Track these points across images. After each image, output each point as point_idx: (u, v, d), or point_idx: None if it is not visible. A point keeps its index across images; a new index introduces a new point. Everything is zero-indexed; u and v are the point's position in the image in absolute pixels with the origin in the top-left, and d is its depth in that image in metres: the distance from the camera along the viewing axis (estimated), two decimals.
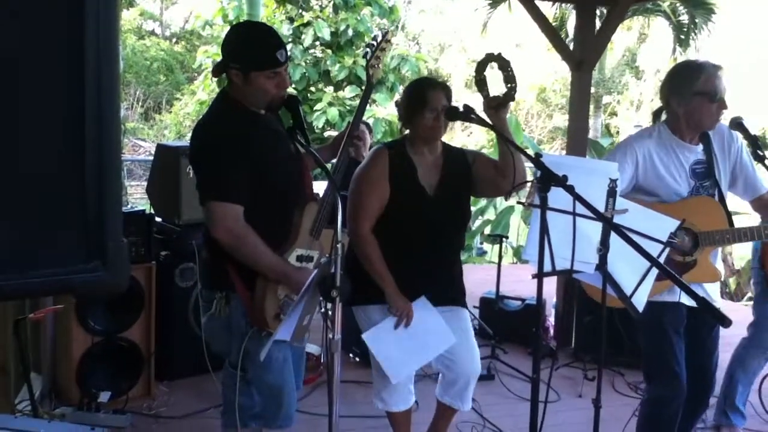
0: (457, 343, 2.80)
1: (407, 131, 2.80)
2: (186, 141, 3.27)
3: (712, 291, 2.77)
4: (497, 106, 2.58)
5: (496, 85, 2.61)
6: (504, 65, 2.55)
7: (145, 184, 5.81)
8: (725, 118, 2.74)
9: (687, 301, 2.59)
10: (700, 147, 2.72)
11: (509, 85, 2.55)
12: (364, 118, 3.19)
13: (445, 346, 2.76)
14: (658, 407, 2.78)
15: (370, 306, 2.77)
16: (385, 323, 2.73)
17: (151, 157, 4.55)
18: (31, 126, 0.93)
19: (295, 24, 12.84)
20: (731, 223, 2.69)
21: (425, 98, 2.66)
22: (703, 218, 2.67)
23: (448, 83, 2.76)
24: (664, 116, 2.81)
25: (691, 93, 2.63)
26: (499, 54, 2.59)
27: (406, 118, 2.75)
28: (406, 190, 2.72)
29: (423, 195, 2.73)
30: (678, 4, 12.53)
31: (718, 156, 2.73)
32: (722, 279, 2.76)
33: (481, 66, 2.61)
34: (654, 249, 2.10)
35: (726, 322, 1.59)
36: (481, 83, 2.63)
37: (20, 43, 0.91)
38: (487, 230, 8.66)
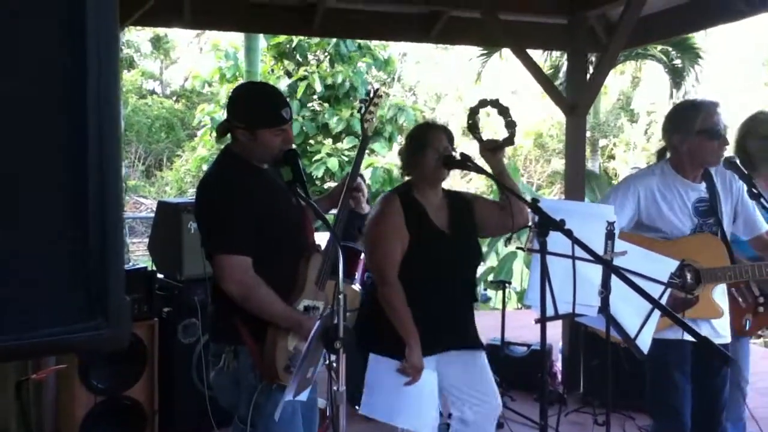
0: (480, 383, 2.77)
1: (409, 178, 2.80)
2: (187, 197, 3.31)
3: (720, 327, 2.76)
4: (494, 149, 2.62)
5: (489, 131, 2.66)
6: (503, 111, 2.61)
7: (146, 241, 5.83)
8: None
9: (691, 338, 2.58)
10: (703, 185, 2.77)
11: (510, 130, 2.60)
12: (363, 169, 3.25)
13: (420, 428, 2.66)
14: None
15: (392, 360, 2.65)
16: (389, 365, 2.66)
17: (153, 214, 4.58)
18: (32, 185, 0.95)
19: (293, 79, 13.07)
20: (733, 261, 2.72)
21: (427, 139, 2.68)
22: (706, 255, 2.69)
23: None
24: (667, 155, 2.86)
25: (692, 132, 2.69)
26: (496, 100, 2.64)
27: (409, 162, 2.75)
28: (423, 232, 2.69)
29: (440, 235, 2.71)
30: (669, 48, 12.78)
31: (721, 194, 2.78)
32: (725, 315, 2.75)
33: (474, 111, 2.67)
34: (655, 290, 2.10)
35: (728, 360, 1.58)
36: (473, 127, 2.68)
37: (21, 101, 0.93)
38: (491, 277, 8.64)
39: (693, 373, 2.76)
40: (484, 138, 2.66)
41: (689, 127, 2.70)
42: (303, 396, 2.43)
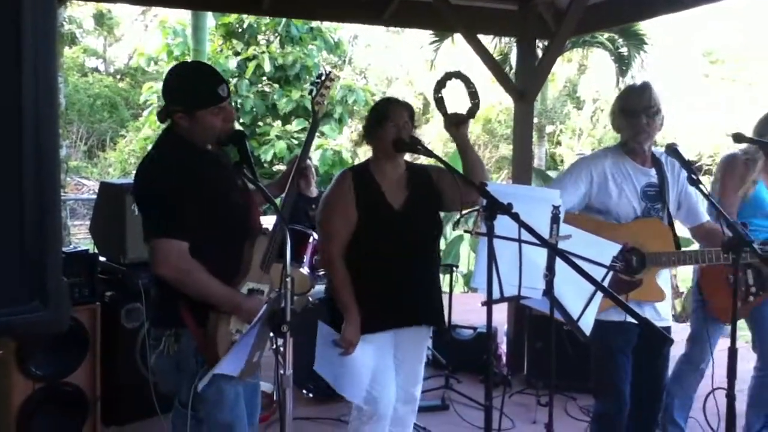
0: (409, 368, 2.84)
1: (370, 155, 2.82)
2: (130, 178, 3.23)
3: (662, 310, 2.87)
4: (458, 123, 2.65)
5: (453, 105, 2.67)
6: (467, 81, 2.63)
7: (88, 223, 5.68)
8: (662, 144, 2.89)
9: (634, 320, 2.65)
10: (653, 171, 2.87)
11: (474, 101, 2.62)
12: (312, 151, 3.24)
13: (357, 399, 2.73)
14: (603, 423, 2.90)
15: (334, 331, 2.71)
16: (330, 334, 2.72)
17: (95, 196, 4.46)
18: None
19: (240, 57, 12.86)
20: (678, 246, 2.82)
21: (387, 113, 2.69)
22: (652, 240, 2.78)
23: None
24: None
25: (620, 113, 2.87)
26: (459, 71, 2.66)
27: (370, 134, 2.75)
28: (374, 208, 2.70)
29: (390, 211, 2.71)
30: (615, 36, 13.05)
31: (669, 181, 2.88)
32: (666, 299, 2.85)
33: (440, 84, 2.68)
34: (598, 273, 2.15)
35: (667, 341, 1.63)
36: (439, 102, 2.70)
37: None
38: None
39: (636, 354, 2.86)
40: (449, 112, 2.67)
41: (619, 109, 2.88)
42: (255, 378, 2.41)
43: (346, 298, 2.67)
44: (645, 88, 2.83)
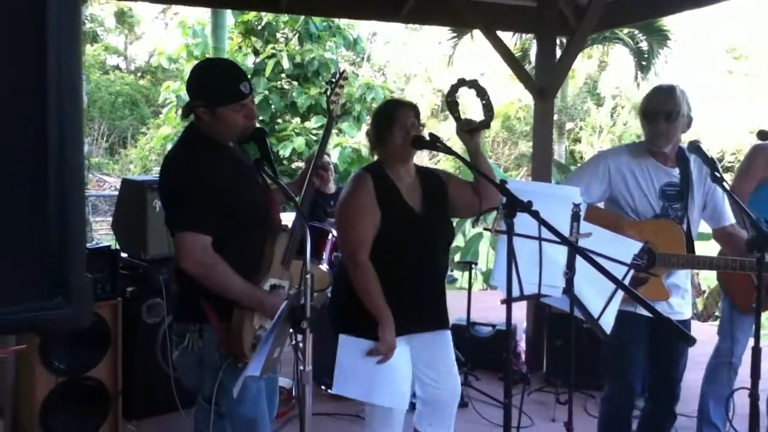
0: (440, 368, 2.78)
1: (377, 156, 2.76)
2: (152, 175, 3.26)
3: (677, 304, 2.86)
4: (471, 130, 2.60)
5: (468, 110, 2.65)
6: (481, 92, 2.58)
7: (110, 219, 5.73)
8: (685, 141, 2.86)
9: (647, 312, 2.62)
10: (677, 170, 2.85)
11: (488, 114, 2.59)
12: (331, 148, 3.26)
13: (398, 404, 2.66)
14: (610, 406, 3.01)
15: (364, 340, 2.60)
16: (360, 345, 2.62)
17: (117, 192, 4.50)
18: None
19: (261, 57, 12.90)
20: (692, 250, 2.81)
21: (393, 116, 2.64)
22: (664, 240, 2.77)
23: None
24: None
25: (641, 114, 2.87)
26: (475, 81, 2.60)
27: (377, 140, 2.70)
28: (395, 210, 2.65)
29: (412, 214, 2.66)
30: (636, 32, 12.92)
31: (695, 182, 2.85)
32: (684, 295, 2.84)
33: (454, 89, 2.64)
34: (618, 271, 2.13)
35: (690, 341, 1.62)
36: (452, 105, 2.65)
37: None
38: (457, 257, 8.70)
39: (650, 346, 2.88)
40: (462, 118, 2.63)
41: (641, 112, 2.88)
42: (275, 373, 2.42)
43: (381, 302, 2.56)
44: (668, 91, 2.80)
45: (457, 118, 2.64)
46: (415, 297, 2.67)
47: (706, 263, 2.81)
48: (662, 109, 2.77)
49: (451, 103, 2.66)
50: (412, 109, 2.69)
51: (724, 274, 3.41)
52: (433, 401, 2.82)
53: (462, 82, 2.62)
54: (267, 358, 2.25)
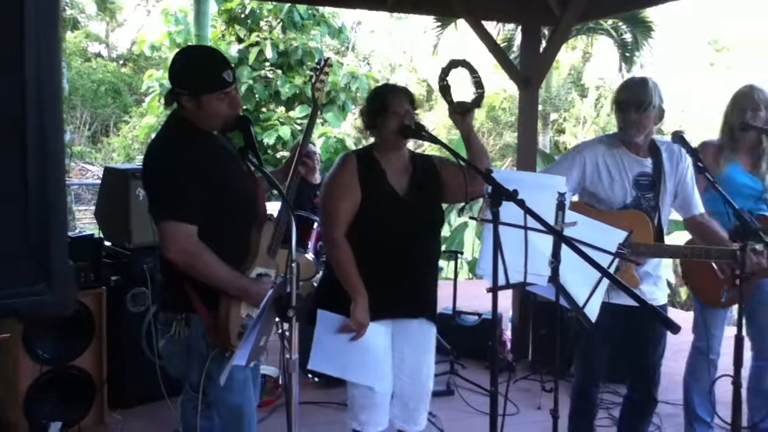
0: (413, 360, 2.75)
1: (371, 140, 2.75)
2: (135, 163, 3.23)
3: (650, 292, 2.88)
4: (463, 111, 2.60)
5: (457, 95, 2.64)
6: (472, 70, 2.59)
7: (93, 208, 5.68)
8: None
9: (622, 301, 2.62)
10: (650, 161, 2.89)
11: (479, 91, 2.59)
12: (315, 138, 3.25)
13: (371, 383, 2.66)
14: (577, 391, 3.12)
15: (340, 316, 2.61)
16: (335, 320, 2.63)
17: (99, 181, 4.46)
18: None
19: (244, 45, 12.81)
20: (661, 239, 2.87)
21: (387, 104, 2.61)
22: (633, 230, 2.77)
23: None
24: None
25: (614, 105, 2.93)
26: (464, 60, 2.62)
27: (370, 124, 2.68)
28: (377, 192, 2.63)
29: (395, 197, 2.65)
30: (620, 23, 12.96)
31: (667, 171, 2.89)
32: (639, 286, 2.87)
33: (444, 72, 2.63)
34: (603, 260, 2.15)
35: (674, 328, 1.63)
36: (444, 89, 2.64)
37: None
38: (443, 247, 8.71)
39: (627, 333, 2.92)
40: (455, 100, 2.62)
41: (613, 99, 2.95)
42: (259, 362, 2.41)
43: (354, 278, 2.58)
44: (640, 83, 2.85)
45: (450, 101, 2.63)
46: (398, 280, 2.65)
47: (674, 252, 2.89)
48: (634, 100, 2.81)
49: (443, 86, 2.64)
50: (407, 95, 2.67)
51: (686, 270, 3.44)
52: (399, 393, 2.78)
53: (453, 63, 2.62)
54: (253, 347, 2.25)
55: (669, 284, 4.50)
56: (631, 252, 2.76)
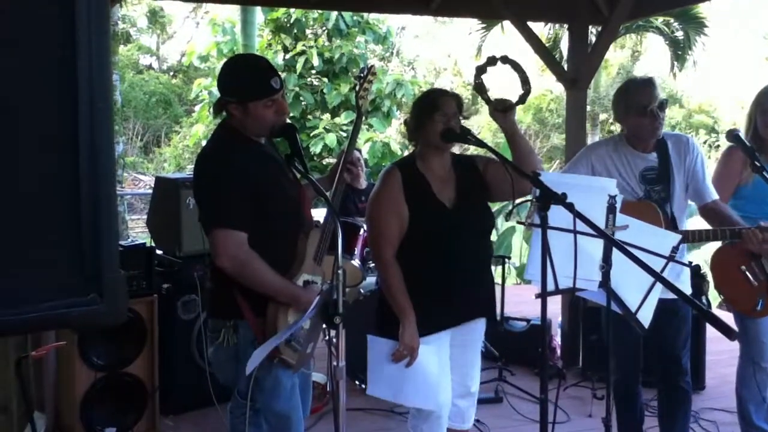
0: (462, 360, 2.72)
1: (415, 148, 2.71)
2: (185, 173, 3.29)
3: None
4: (504, 109, 2.54)
5: (503, 92, 2.60)
6: (516, 66, 2.52)
7: (145, 217, 5.81)
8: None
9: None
10: (654, 155, 2.94)
11: (526, 87, 2.54)
12: (361, 144, 3.26)
13: (427, 405, 2.62)
14: (620, 388, 3.11)
15: (389, 340, 2.56)
16: (385, 345, 2.58)
17: (151, 191, 4.55)
18: (24, 158, 0.93)
19: (290, 54, 12.96)
20: (675, 228, 2.86)
21: (436, 103, 2.58)
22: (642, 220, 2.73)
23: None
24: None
25: (623, 111, 2.94)
26: (506, 56, 2.54)
27: (416, 127, 2.63)
28: (425, 206, 2.59)
29: (443, 211, 2.60)
30: (671, 20, 12.66)
31: (674, 164, 2.93)
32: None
33: (480, 70, 2.57)
34: (655, 263, 2.09)
35: (732, 334, 1.58)
36: (480, 87, 2.59)
37: (14, 77, 0.91)
38: None
39: (656, 327, 2.82)
40: (493, 98, 2.56)
41: (622, 107, 2.94)
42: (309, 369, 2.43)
43: (403, 300, 2.53)
44: (652, 83, 2.88)
45: (487, 99, 2.57)
46: (453, 291, 2.60)
47: (686, 237, 2.84)
48: (656, 102, 2.82)
49: (478, 84, 2.58)
50: (455, 99, 2.63)
51: (718, 281, 3.28)
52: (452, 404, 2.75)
53: (492, 61, 2.54)
54: (301, 353, 2.26)
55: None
56: None
